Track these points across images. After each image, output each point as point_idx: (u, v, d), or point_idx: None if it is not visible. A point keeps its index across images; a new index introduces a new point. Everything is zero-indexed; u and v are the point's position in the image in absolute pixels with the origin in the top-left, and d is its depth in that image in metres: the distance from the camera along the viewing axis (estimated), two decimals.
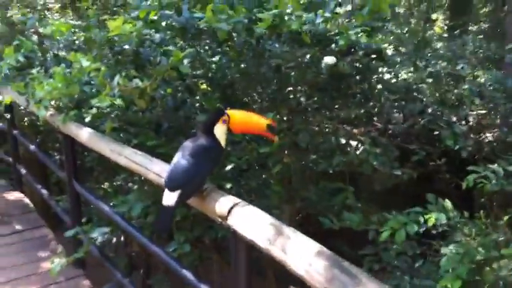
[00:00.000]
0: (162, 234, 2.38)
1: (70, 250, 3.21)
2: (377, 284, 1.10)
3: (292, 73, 2.76)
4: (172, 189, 1.67)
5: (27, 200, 4.58)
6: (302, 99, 2.78)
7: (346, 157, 2.37)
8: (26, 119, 5.30)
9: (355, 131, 3.73)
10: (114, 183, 2.87)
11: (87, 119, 2.86)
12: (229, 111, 1.75)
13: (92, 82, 2.52)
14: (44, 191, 4.04)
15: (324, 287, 1.17)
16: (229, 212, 1.63)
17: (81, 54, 2.38)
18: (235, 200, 1.67)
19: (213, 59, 2.87)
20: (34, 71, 2.88)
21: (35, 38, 3.20)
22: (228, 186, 2.36)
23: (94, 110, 2.83)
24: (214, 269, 3.27)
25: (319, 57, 2.33)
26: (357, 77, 3.00)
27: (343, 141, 2.46)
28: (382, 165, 2.41)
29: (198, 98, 2.87)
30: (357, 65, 2.90)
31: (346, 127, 3.01)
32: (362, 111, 3.12)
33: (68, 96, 2.50)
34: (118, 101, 2.46)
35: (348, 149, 2.45)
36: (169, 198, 1.68)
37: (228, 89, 2.71)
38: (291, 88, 2.74)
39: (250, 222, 1.53)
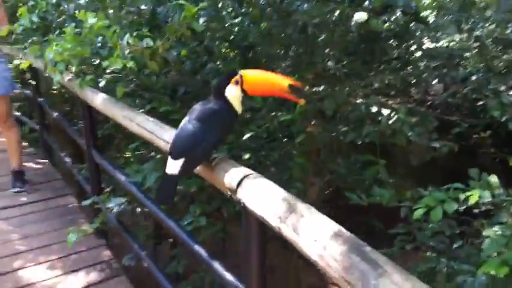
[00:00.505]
0: (166, 204, 2.26)
1: (92, 219, 3.16)
2: (404, 275, 0.90)
3: (321, 35, 2.51)
4: (175, 157, 1.51)
5: (53, 168, 4.59)
6: (330, 63, 2.53)
7: (377, 127, 2.12)
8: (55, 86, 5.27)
9: (389, 101, 3.45)
10: (135, 152, 2.74)
11: (102, 84, 2.74)
12: (242, 72, 1.54)
13: (105, 43, 2.36)
14: (68, 159, 4.00)
15: (341, 276, 0.98)
16: (238, 184, 1.45)
17: (91, 13, 2.21)
18: (247, 171, 1.49)
19: (235, 20, 2.65)
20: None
21: None
22: (246, 156, 2.18)
23: (108, 74, 2.71)
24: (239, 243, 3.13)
25: (349, 14, 2.06)
26: (393, 40, 2.71)
27: (374, 109, 2.21)
28: (419, 137, 2.16)
29: (218, 62, 2.67)
30: (393, 26, 2.61)
31: (379, 97, 2.74)
32: (397, 79, 2.83)
33: (78, 58, 2.35)
34: (130, 64, 2.30)
35: (380, 118, 2.20)
36: (173, 166, 1.52)
37: (249, 51, 2.49)
38: (318, 51, 2.49)
39: (261, 196, 1.35)
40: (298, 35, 2.46)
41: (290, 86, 1.52)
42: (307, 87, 2.29)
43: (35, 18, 2.93)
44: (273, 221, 1.26)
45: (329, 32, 2.23)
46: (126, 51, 2.24)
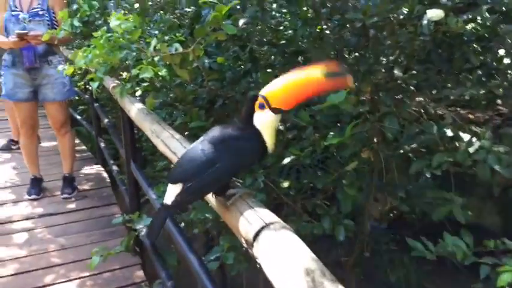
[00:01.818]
0: (149, 240, 1.99)
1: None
2: None
3: (384, 38, 2.08)
4: (172, 180, 1.24)
5: (105, 174, 4.52)
6: (396, 71, 2.08)
7: (452, 155, 1.66)
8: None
9: (469, 115, 2.90)
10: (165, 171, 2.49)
11: (138, 93, 2.52)
12: (263, 91, 1.19)
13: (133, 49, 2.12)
14: (115, 168, 3.88)
15: None
16: (255, 237, 1.10)
17: (119, 15, 1.97)
18: (268, 217, 1.14)
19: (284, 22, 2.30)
20: None
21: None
22: (285, 184, 1.82)
23: (145, 82, 2.48)
24: None
25: (419, 11, 1.63)
26: (476, 44, 2.20)
27: (449, 132, 1.74)
28: (508, 169, 1.66)
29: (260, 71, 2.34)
30: (477, 27, 2.12)
31: (457, 111, 2.24)
32: (481, 91, 2.31)
33: (105, 66, 2.13)
34: (163, 72, 2.04)
35: (457, 144, 1.73)
36: (169, 194, 1.22)
37: (297, 57, 2.13)
38: (382, 58, 2.06)
39: (282, 260, 0.99)
40: (357, 38, 2.05)
41: (326, 73, 1.15)
42: (364, 104, 1.87)
43: (76, 23, 2.79)
44: None
45: (393, 35, 1.80)
46: (156, 58, 1.98)
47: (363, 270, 3.28)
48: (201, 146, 1.23)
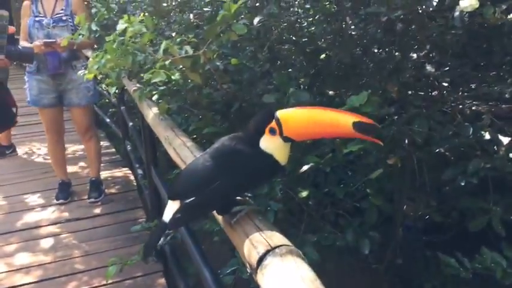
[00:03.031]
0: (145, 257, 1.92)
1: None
2: None
3: (413, 32, 1.91)
4: (170, 196, 1.14)
5: (132, 178, 4.51)
6: (428, 67, 1.90)
7: (490, 162, 1.48)
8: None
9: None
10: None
11: (154, 97, 2.44)
12: (280, 113, 1.05)
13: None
14: (140, 171, 3.84)
15: None
16: (259, 262, 0.98)
17: (127, 17, 1.89)
18: (274, 240, 1.01)
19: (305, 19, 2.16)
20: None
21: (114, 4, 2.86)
22: (304, 194, 1.68)
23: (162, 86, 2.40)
24: None
25: (451, 1, 1.46)
26: None
27: (487, 135, 1.56)
28: None
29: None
30: None
31: (496, 110, 2.03)
32: None
33: (116, 71, 2.06)
34: (176, 76, 1.95)
35: (495, 147, 1.54)
36: (168, 210, 1.12)
37: (318, 56, 1.99)
38: (410, 54, 1.89)
39: None
40: (382, 34, 1.89)
41: (356, 124, 1.01)
42: (390, 105, 1.71)
43: (94, 27, 2.74)
44: None
45: (423, 29, 1.63)
46: (167, 62, 1.89)
47: (395, 278, 3.10)
48: (203, 159, 1.12)
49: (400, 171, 2.09)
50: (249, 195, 1.25)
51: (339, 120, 1.04)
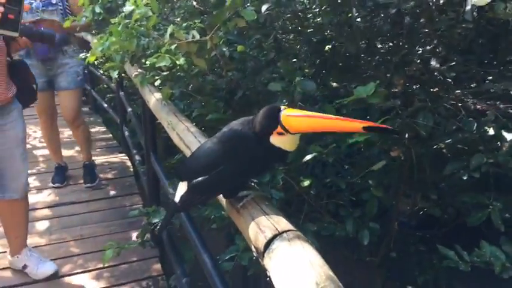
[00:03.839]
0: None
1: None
2: None
3: (421, 26, 1.91)
4: (180, 178, 1.17)
5: (129, 163, 4.49)
6: (433, 62, 1.91)
7: (493, 157, 1.49)
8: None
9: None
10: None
11: (157, 83, 2.42)
12: (285, 120, 1.01)
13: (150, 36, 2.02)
14: (137, 157, 3.83)
15: None
16: (266, 246, 0.98)
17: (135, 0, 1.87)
18: (282, 224, 1.01)
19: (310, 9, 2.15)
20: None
21: None
22: (306, 183, 1.69)
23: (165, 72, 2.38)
24: None
25: None
26: None
27: (491, 131, 1.57)
28: None
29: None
30: None
31: (500, 107, 2.04)
32: None
33: (121, 54, 2.04)
34: (181, 61, 1.94)
35: (499, 143, 1.55)
36: (179, 191, 1.14)
37: (324, 46, 1.98)
38: (417, 48, 1.89)
39: (294, 275, 0.87)
40: (390, 26, 1.88)
41: (367, 128, 0.97)
42: (396, 98, 1.71)
43: (98, 9, 2.71)
44: None
45: (431, 22, 1.63)
46: (173, 46, 1.87)
47: (389, 271, 3.13)
48: (211, 143, 1.12)
49: (399, 166, 2.10)
50: (255, 181, 1.25)
51: (347, 128, 1.02)
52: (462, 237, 2.40)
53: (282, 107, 1.03)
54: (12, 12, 2.08)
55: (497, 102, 2.08)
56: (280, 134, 1.03)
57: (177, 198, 1.13)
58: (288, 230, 0.99)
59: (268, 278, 0.96)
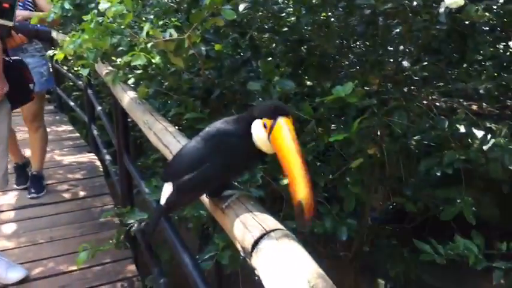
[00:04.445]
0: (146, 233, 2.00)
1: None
2: None
3: (395, 27, 1.96)
4: (164, 179, 1.16)
5: (98, 163, 4.39)
6: (405, 63, 1.97)
7: (465, 154, 1.55)
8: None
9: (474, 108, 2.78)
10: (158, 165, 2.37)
11: (130, 81, 2.38)
12: (280, 120, 1.01)
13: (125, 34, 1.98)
14: (108, 157, 3.75)
15: None
16: (254, 245, 0.99)
17: None
18: (269, 223, 1.02)
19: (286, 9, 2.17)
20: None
21: None
22: (285, 181, 1.70)
23: (139, 70, 2.35)
24: None
25: None
26: (488, 35, 2.08)
27: (462, 129, 1.63)
28: None
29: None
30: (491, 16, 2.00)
31: (469, 105, 2.13)
32: (491, 85, 2.19)
33: (94, 52, 2.00)
34: (157, 59, 1.91)
35: (469, 140, 1.62)
36: (164, 193, 1.13)
37: (300, 46, 2.00)
38: (390, 48, 1.94)
39: (284, 272, 0.88)
40: (365, 27, 1.92)
41: (299, 203, 0.96)
42: (372, 96, 1.75)
43: (67, 5, 2.63)
44: None
45: (406, 24, 1.67)
46: (149, 45, 1.84)
47: (362, 265, 3.20)
48: (194, 142, 1.12)
49: (371, 161, 2.15)
50: (238, 180, 1.26)
51: (296, 184, 0.97)
52: (431, 231, 2.49)
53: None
54: (7, 1, 2.01)
55: (464, 102, 2.17)
56: (264, 126, 1.02)
57: (162, 201, 1.12)
58: (276, 229, 1.00)
59: (256, 278, 0.97)
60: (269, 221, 1.04)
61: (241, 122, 1.10)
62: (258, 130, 1.04)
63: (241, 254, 1.06)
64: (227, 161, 1.09)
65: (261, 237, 0.99)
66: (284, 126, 1.00)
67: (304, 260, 0.89)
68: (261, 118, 1.03)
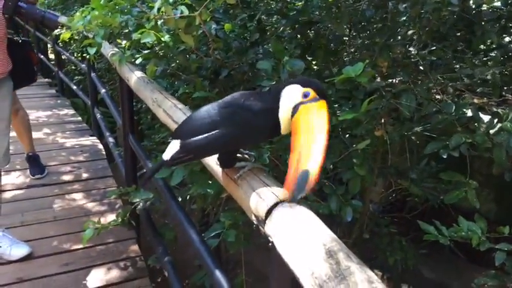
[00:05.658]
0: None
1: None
2: None
3: (404, 11, 1.97)
4: (173, 136, 1.17)
5: (100, 146, 4.41)
6: (411, 48, 1.98)
7: (471, 137, 1.57)
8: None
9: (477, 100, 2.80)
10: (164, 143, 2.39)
11: (138, 61, 2.39)
12: (317, 103, 1.02)
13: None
14: (111, 140, 3.76)
15: None
16: (268, 213, 1.01)
17: None
18: (282, 193, 1.04)
19: None
20: None
21: None
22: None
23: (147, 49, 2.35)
24: None
25: None
26: (502, 21, 2.09)
27: (468, 112, 1.65)
28: None
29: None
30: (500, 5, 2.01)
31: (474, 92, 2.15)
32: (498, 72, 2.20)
33: (104, 29, 2.00)
34: (166, 38, 1.92)
35: (476, 124, 1.64)
36: (170, 149, 1.14)
37: (309, 29, 2.01)
38: (399, 32, 1.95)
39: (298, 238, 0.90)
40: (375, 10, 1.93)
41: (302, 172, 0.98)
42: (381, 79, 1.77)
43: None
44: (309, 283, 0.81)
45: (417, 4, 1.68)
46: (159, 22, 1.85)
47: (360, 256, 3.24)
48: (210, 107, 1.13)
49: (373, 149, 2.17)
50: (252, 153, 1.27)
51: (307, 155, 0.99)
52: (430, 221, 2.51)
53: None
54: None
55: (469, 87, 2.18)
56: (305, 95, 1.02)
57: (167, 156, 1.13)
58: None
59: (270, 244, 0.99)
60: (282, 191, 1.06)
61: (264, 96, 1.11)
62: (293, 95, 1.04)
63: (255, 222, 1.08)
64: (236, 133, 1.10)
65: (275, 205, 1.01)
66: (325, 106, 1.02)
67: (318, 225, 0.91)
68: (305, 87, 1.03)
